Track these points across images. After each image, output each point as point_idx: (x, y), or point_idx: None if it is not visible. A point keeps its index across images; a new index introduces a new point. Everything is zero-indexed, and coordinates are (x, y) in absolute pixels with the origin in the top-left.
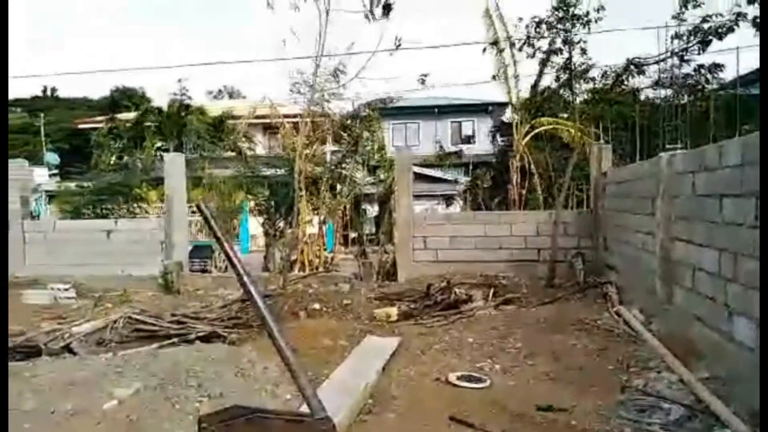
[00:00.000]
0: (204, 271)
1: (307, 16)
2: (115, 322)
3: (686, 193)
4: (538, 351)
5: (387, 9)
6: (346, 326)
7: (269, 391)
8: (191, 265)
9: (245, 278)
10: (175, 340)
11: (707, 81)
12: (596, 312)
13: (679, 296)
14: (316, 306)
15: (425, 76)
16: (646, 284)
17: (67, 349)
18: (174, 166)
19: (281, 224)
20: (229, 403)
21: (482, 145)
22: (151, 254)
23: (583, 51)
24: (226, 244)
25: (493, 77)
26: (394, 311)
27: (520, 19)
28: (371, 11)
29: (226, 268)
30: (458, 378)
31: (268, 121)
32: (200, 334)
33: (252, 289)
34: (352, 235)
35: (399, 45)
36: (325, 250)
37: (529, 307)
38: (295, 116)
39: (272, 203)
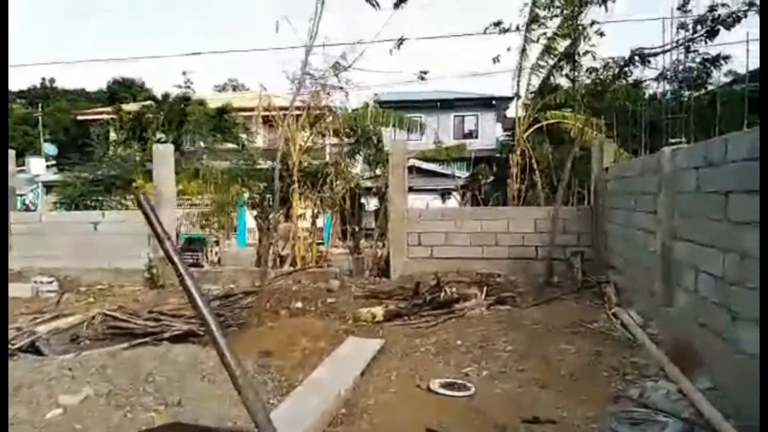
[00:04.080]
0: (195, 265)
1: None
2: (93, 318)
3: (689, 189)
4: (529, 355)
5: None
6: (329, 326)
7: (233, 399)
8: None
9: (187, 280)
10: (149, 339)
11: (708, 74)
12: (593, 313)
13: (680, 299)
14: (299, 304)
15: (425, 72)
16: (645, 285)
17: (33, 348)
18: (163, 157)
19: (275, 217)
20: (186, 411)
21: (485, 140)
22: (138, 247)
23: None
24: (167, 242)
25: (494, 60)
26: (379, 311)
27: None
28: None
29: (219, 261)
30: (441, 385)
31: (266, 113)
32: (176, 333)
33: (194, 291)
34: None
35: (401, 43)
36: (321, 244)
37: (524, 308)
38: (290, 108)
39: (266, 196)
